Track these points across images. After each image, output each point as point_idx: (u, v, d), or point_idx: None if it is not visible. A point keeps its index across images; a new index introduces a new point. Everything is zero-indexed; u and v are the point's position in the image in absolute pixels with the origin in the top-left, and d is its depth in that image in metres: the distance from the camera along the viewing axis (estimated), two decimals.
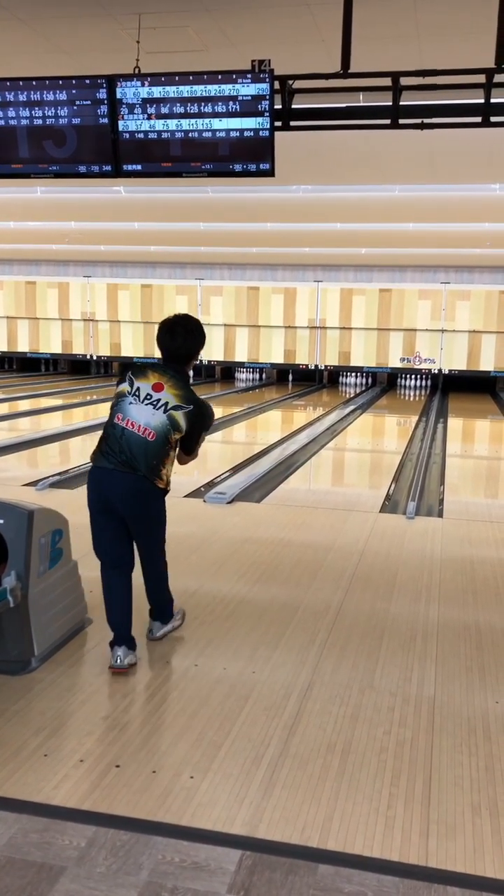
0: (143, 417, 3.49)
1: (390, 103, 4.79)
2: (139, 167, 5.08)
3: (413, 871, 2.21)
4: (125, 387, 3.58)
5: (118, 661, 3.39)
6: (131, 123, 4.96)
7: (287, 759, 2.75)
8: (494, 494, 8.16)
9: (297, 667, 3.49)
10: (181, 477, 8.28)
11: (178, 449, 3.72)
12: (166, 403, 3.51)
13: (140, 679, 3.34)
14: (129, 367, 3.67)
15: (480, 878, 2.20)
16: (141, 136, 4.98)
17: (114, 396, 3.63)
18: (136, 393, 3.53)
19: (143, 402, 3.50)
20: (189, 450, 3.80)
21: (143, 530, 3.71)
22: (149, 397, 3.51)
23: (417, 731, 2.97)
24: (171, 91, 4.86)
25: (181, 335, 3.70)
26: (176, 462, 3.75)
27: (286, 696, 3.22)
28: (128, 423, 3.50)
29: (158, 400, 3.51)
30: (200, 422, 3.69)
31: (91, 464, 3.66)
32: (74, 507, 6.08)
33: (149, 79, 4.89)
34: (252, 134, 4.82)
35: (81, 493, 6.77)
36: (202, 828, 2.38)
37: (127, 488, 3.54)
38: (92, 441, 10.45)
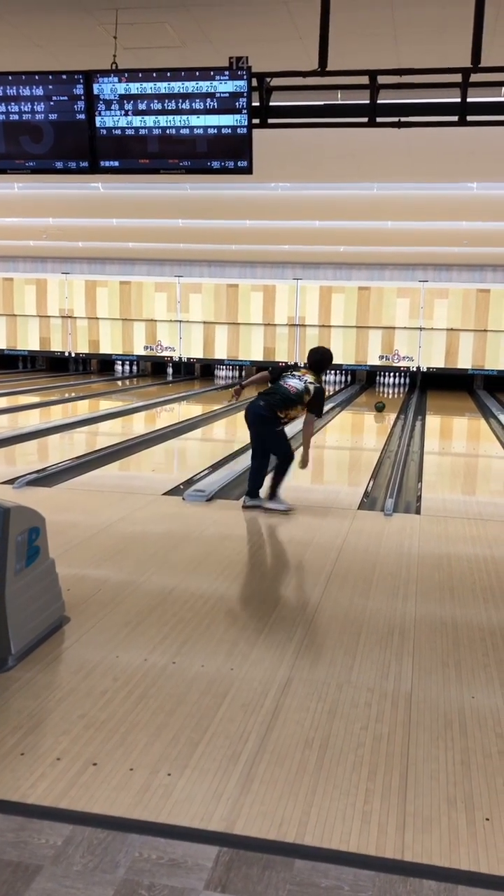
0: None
1: (368, 101, 4.81)
2: (116, 163, 5.06)
3: (389, 865, 2.23)
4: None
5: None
6: (108, 119, 4.94)
7: (264, 756, 2.76)
8: (471, 491, 8.23)
9: (274, 663, 3.50)
10: (160, 474, 8.28)
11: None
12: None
13: (117, 677, 3.33)
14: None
15: (455, 870, 2.22)
16: (118, 132, 4.96)
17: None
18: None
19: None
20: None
21: None
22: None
23: (394, 726, 2.99)
24: (149, 87, 4.85)
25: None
26: None
27: (264, 692, 3.22)
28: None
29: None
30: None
31: None
32: (52, 504, 6.07)
33: (126, 74, 4.88)
34: (230, 131, 4.82)
35: (59, 490, 6.80)
36: (179, 824, 2.38)
37: None
38: (70, 438, 10.39)
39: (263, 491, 6.39)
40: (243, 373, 19.63)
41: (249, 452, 8.92)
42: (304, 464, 6.41)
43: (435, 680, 3.41)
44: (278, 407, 6.13)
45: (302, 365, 6.41)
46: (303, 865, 2.21)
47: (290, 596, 4.39)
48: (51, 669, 3.40)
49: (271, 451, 6.37)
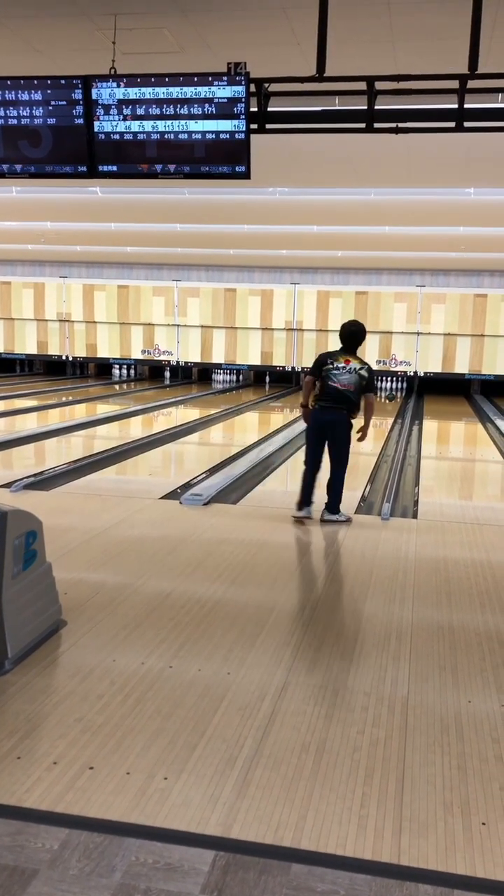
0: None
1: (365, 107, 4.82)
2: (115, 168, 5.07)
3: (385, 870, 2.23)
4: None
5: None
6: (107, 124, 4.95)
7: (261, 760, 2.76)
8: (468, 496, 8.24)
9: (271, 668, 3.50)
10: (157, 478, 8.28)
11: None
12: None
13: (114, 681, 3.33)
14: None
15: (452, 875, 2.22)
16: (117, 137, 4.97)
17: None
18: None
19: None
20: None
21: None
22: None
23: (391, 731, 2.99)
24: (147, 92, 4.86)
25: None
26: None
27: (261, 696, 3.23)
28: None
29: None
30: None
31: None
32: (49, 508, 6.06)
33: (125, 80, 4.90)
34: (228, 136, 4.84)
35: (56, 494, 6.79)
36: (176, 829, 2.38)
37: None
38: (67, 442, 10.37)
39: (315, 500, 6.26)
40: (240, 377, 19.64)
41: (247, 456, 8.97)
42: (363, 437, 6.38)
43: (432, 684, 3.41)
44: (350, 412, 6.11)
45: (339, 350, 6.18)
46: (299, 870, 2.21)
47: (287, 600, 4.39)
48: (47, 673, 3.40)
49: (339, 458, 6.23)
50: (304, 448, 10.16)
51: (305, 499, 6.17)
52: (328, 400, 6.07)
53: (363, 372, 6.09)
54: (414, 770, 2.73)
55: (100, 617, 4.03)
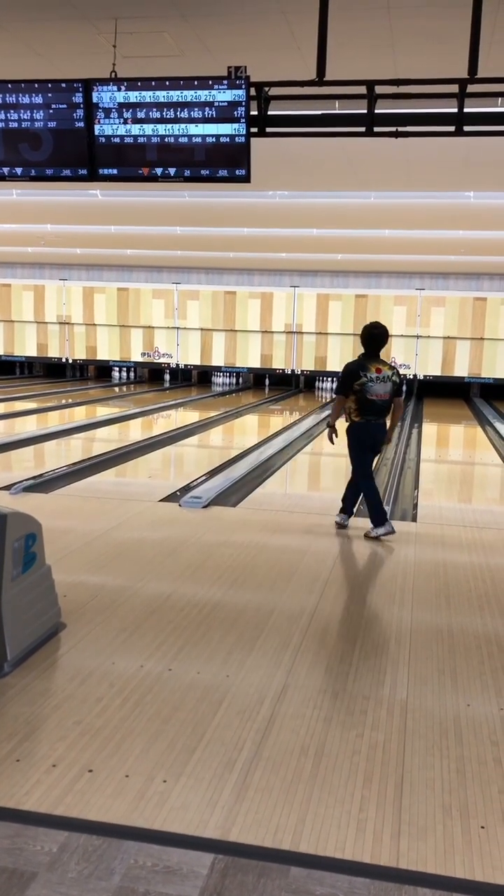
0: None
1: (365, 111, 4.83)
2: (115, 171, 5.08)
3: (384, 873, 2.23)
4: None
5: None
6: (107, 128, 4.96)
7: (260, 763, 2.76)
8: (468, 499, 8.24)
9: (271, 671, 3.50)
10: (157, 481, 8.28)
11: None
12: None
13: (113, 684, 3.33)
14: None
15: (450, 878, 2.22)
16: (117, 140, 4.98)
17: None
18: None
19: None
20: None
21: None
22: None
23: (390, 734, 2.99)
24: (148, 96, 4.87)
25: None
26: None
27: (260, 700, 3.23)
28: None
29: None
30: None
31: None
32: (48, 511, 6.06)
33: (125, 83, 4.90)
34: (228, 140, 4.85)
35: (55, 497, 6.79)
36: (175, 832, 2.38)
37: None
38: (67, 444, 10.37)
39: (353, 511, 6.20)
40: (240, 380, 19.65)
41: (246, 459, 8.97)
42: (390, 440, 6.22)
43: (431, 688, 3.42)
44: (384, 419, 5.94)
45: (366, 358, 5.81)
46: (298, 873, 2.21)
47: (287, 603, 4.39)
48: (47, 676, 3.40)
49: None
50: (301, 450, 10.16)
51: (383, 515, 5.90)
52: (372, 413, 5.82)
53: (395, 378, 5.87)
54: (413, 773, 2.73)
55: (99, 619, 4.03)
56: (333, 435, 5.99)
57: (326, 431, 6.06)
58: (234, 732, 2.95)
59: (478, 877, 2.23)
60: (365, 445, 5.94)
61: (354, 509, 6.18)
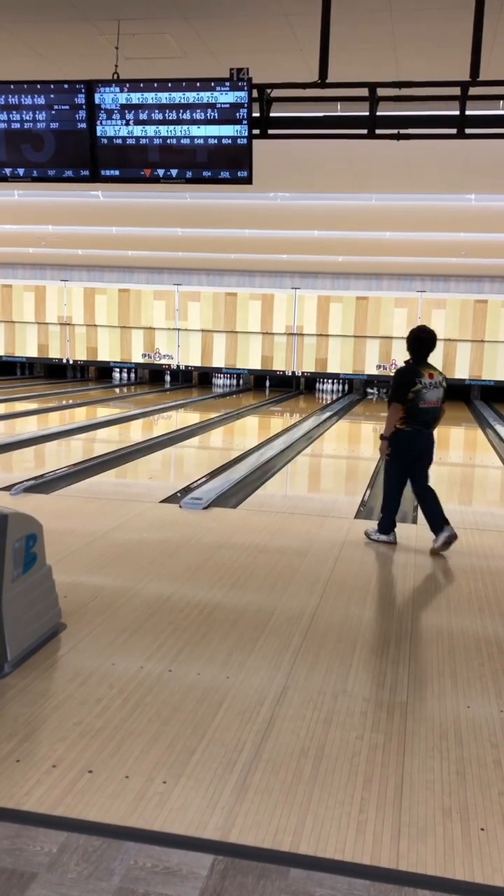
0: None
1: (367, 113, 4.84)
2: (117, 172, 5.08)
3: (384, 875, 2.23)
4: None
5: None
6: (110, 129, 4.97)
7: (260, 764, 2.76)
8: (468, 501, 8.24)
9: (271, 672, 3.50)
10: (157, 482, 8.28)
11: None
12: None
13: (113, 685, 3.33)
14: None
15: (450, 880, 2.22)
16: (119, 141, 4.99)
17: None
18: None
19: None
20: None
21: None
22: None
23: (390, 736, 3.00)
24: (150, 97, 4.87)
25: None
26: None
27: (260, 701, 3.23)
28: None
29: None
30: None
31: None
32: (49, 511, 6.07)
33: (127, 85, 4.91)
34: (230, 141, 4.85)
35: (56, 497, 6.79)
36: (174, 833, 2.38)
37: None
38: (67, 445, 10.37)
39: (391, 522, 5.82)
40: (241, 381, 19.64)
41: (247, 461, 8.97)
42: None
43: (430, 690, 3.42)
44: (433, 429, 5.65)
45: (417, 364, 5.49)
46: (298, 874, 2.21)
47: (287, 604, 4.39)
48: (47, 676, 3.40)
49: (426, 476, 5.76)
50: (301, 451, 10.16)
51: (443, 521, 5.58)
52: (421, 422, 5.50)
53: (444, 384, 5.59)
54: (413, 775, 2.73)
55: (99, 620, 4.04)
56: (387, 449, 5.58)
57: (380, 445, 5.67)
58: (234, 734, 2.96)
59: (477, 879, 2.23)
60: (409, 457, 5.59)
61: (442, 519, 5.60)
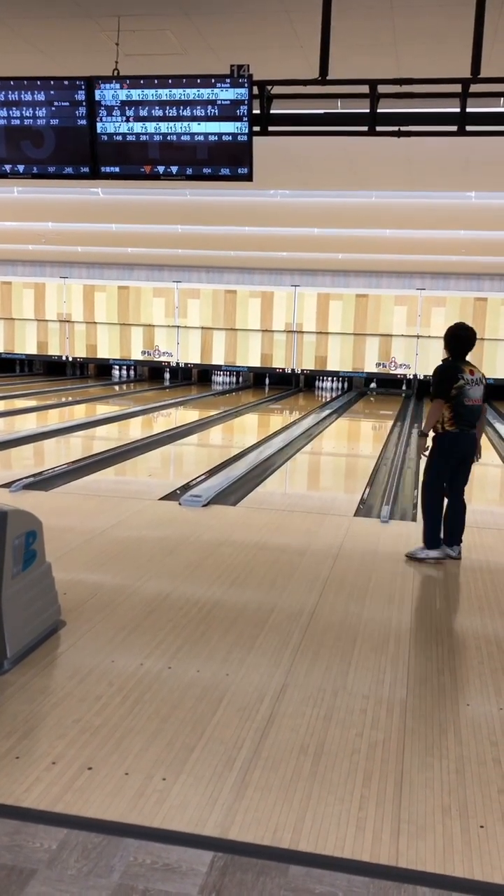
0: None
1: (368, 110, 4.83)
2: (117, 169, 5.07)
3: (383, 872, 2.23)
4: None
5: None
6: (110, 125, 4.96)
7: (259, 761, 2.76)
8: (467, 499, 8.23)
9: (270, 669, 3.50)
10: (156, 479, 8.28)
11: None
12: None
13: (113, 682, 3.33)
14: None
15: (449, 877, 2.22)
16: (119, 138, 4.98)
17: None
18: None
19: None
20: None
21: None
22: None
23: (389, 733, 3.00)
24: (150, 94, 4.86)
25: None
26: None
27: (259, 698, 3.23)
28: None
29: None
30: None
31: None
32: (47, 509, 6.06)
33: (128, 81, 4.90)
34: (231, 138, 4.84)
35: (55, 494, 6.79)
36: (174, 829, 2.38)
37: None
38: (67, 442, 10.35)
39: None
40: (240, 379, 19.63)
41: (246, 458, 8.97)
42: (479, 455, 5.61)
43: (430, 687, 3.42)
44: (476, 429, 5.37)
45: (458, 360, 5.24)
46: (297, 871, 2.21)
47: (286, 602, 4.39)
48: (46, 673, 3.40)
49: (464, 483, 5.46)
50: (300, 449, 10.16)
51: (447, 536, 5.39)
52: (467, 422, 5.23)
53: (484, 380, 5.35)
54: (412, 773, 2.74)
55: (99, 618, 4.03)
56: (427, 446, 5.31)
57: (418, 442, 5.35)
58: (234, 731, 2.96)
59: (476, 876, 2.23)
60: (453, 460, 5.30)
61: (459, 538, 5.40)
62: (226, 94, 4.77)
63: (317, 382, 19.17)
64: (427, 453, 5.33)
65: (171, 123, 4.87)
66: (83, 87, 4.92)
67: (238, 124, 4.81)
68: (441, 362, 5.34)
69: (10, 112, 5.01)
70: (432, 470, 5.36)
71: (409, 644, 3.87)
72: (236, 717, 3.06)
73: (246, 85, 4.76)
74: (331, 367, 18.42)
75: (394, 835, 2.39)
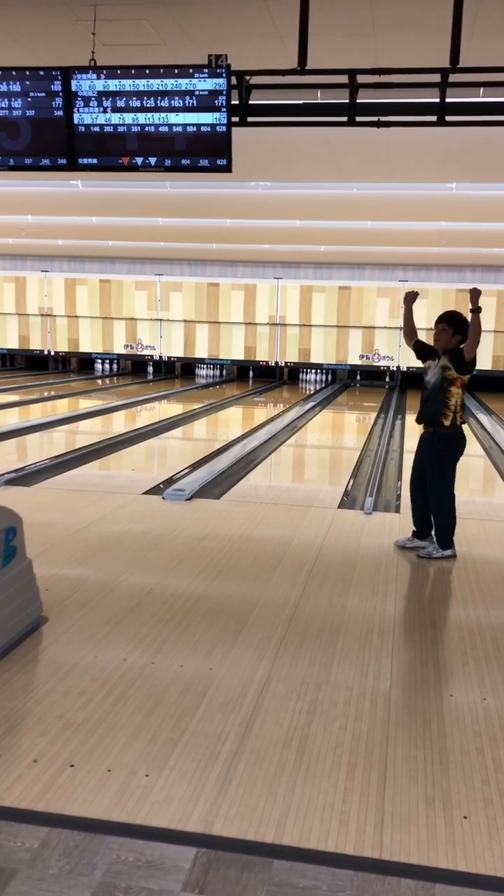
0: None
1: (347, 101, 4.81)
2: (95, 161, 5.02)
3: (367, 864, 2.23)
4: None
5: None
6: (87, 116, 4.90)
7: (243, 756, 2.75)
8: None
9: (254, 663, 3.49)
10: (140, 473, 8.24)
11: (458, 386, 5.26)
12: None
13: (96, 677, 3.31)
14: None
15: (433, 869, 2.22)
16: (97, 129, 4.92)
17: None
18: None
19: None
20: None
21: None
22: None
23: (373, 725, 2.99)
24: (128, 84, 4.81)
25: None
26: None
27: (243, 692, 3.22)
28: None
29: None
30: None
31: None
32: (29, 504, 6.02)
33: (105, 71, 4.84)
34: (209, 129, 4.80)
35: (37, 490, 6.74)
36: (157, 826, 2.36)
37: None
38: (49, 437, 10.26)
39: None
40: (224, 372, 19.58)
41: (230, 451, 8.96)
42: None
43: (414, 679, 3.42)
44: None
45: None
46: (281, 866, 2.21)
47: (270, 595, 4.38)
48: (28, 670, 3.37)
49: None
50: (284, 442, 10.15)
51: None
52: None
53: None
54: (396, 764, 2.73)
55: (81, 613, 4.01)
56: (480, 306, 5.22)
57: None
58: (218, 725, 2.94)
59: (461, 867, 2.23)
60: (458, 459, 5.30)
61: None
62: (204, 84, 4.73)
63: (300, 375, 19.16)
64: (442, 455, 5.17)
65: (149, 114, 4.82)
66: (59, 77, 4.87)
67: (216, 115, 4.77)
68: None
69: None
70: (444, 471, 5.22)
71: (392, 635, 3.87)
72: (220, 711, 3.05)
73: (224, 75, 4.72)
74: (314, 359, 18.41)
75: (377, 827, 2.39)
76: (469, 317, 5.18)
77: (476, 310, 5.19)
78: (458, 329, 5.31)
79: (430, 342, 5.53)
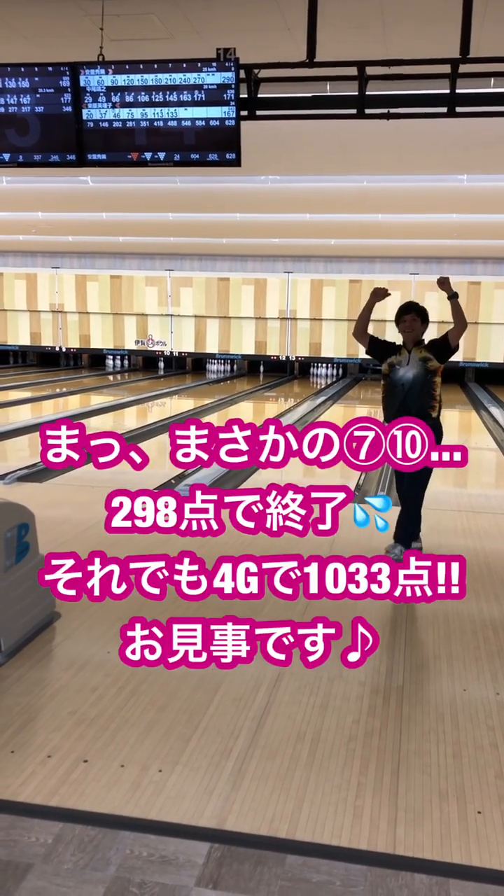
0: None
1: (356, 93, 4.78)
2: (104, 156, 5.02)
3: (381, 860, 2.22)
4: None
5: None
6: (95, 112, 4.90)
7: (256, 751, 2.75)
8: (463, 484, 8.22)
9: None
10: (151, 469, 8.24)
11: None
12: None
13: (108, 673, 3.31)
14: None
15: (447, 864, 2.22)
16: (105, 124, 4.92)
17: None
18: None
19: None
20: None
21: None
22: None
23: (386, 720, 2.99)
24: (136, 79, 4.81)
25: None
26: None
27: (256, 687, 3.22)
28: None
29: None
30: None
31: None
32: (42, 500, 6.03)
33: (113, 66, 4.84)
34: (218, 123, 4.79)
35: (50, 486, 6.75)
36: (170, 821, 2.37)
37: None
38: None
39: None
40: (235, 367, 19.57)
41: None
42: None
43: (426, 673, 3.41)
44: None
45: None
46: (294, 861, 2.21)
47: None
48: (41, 666, 3.38)
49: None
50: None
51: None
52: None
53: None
54: (409, 759, 2.73)
55: (93, 609, 4.01)
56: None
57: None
58: (230, 720, 2.94)
59: (475, 862, 2.23)
60: None
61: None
62: (212, 78, 4.72)
63: (311, 369, 19.12)
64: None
65: (158, 109, 4.81)
66: (68, 72, 4.86)
67: (225, 109, 4.76)
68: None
69: None
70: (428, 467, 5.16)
71: (405, 630, 3.86)
72: (232, 706, 3.05)
73: (232, 69, 4.70)
74: (325, 353, 18.37)
75: (391, 822, 2.38)
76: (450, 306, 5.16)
77: (454, 296, 5.09)
78: (424, 319, 5.22)
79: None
